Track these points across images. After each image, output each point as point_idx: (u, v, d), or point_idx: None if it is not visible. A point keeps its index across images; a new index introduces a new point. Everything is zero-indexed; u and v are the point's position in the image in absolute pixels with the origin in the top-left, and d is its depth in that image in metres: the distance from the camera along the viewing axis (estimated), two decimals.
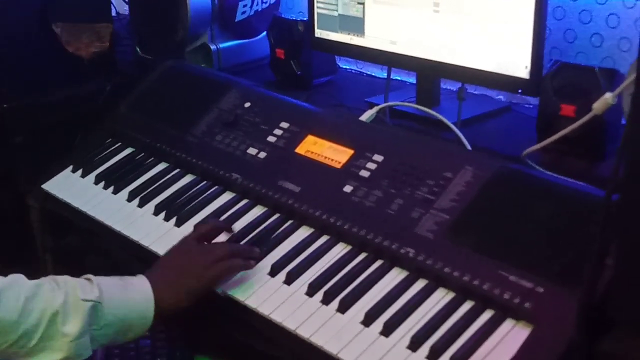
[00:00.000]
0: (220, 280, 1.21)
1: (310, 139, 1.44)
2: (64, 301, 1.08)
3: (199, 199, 1.44)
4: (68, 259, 1.67)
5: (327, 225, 1.28)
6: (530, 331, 1.02)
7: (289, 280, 1.21)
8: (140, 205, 1.48)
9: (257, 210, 1.38)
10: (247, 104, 1.58)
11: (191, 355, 1.25)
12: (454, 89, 1.62)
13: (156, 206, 1.45)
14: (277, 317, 1.15)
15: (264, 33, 1.99)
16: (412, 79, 1.77)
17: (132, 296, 1.14)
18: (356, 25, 1.70)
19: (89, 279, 1.14)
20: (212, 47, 2.00)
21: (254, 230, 1.33)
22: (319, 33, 1.79)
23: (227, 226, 1.33)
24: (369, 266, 1.20)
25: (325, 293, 1.16)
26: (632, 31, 1.51)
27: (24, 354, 1.06)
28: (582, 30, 1.60)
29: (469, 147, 1.42)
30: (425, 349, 1.04)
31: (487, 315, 1.07)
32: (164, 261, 1.24)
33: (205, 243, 1.28)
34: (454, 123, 1.49)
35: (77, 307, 1.08)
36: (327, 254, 1.24)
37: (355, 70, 2.04)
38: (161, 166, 1.57)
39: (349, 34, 1.72)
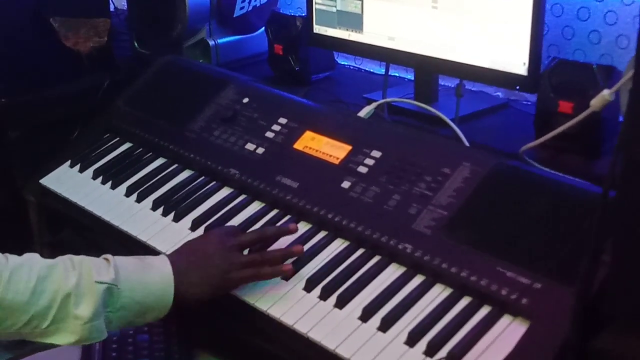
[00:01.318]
0: (245, 284, 1.18)
1: (308, 134, 1.44)
2: (76, 283, 1.05)
3: (197, 195, 1.44)
4: (65, 254, 1.66)
5: (325, 221, 1.28)
6: (527, 327, 1.02)
7: (286, 276, 1.21)
8: (138, 200, 1.48)
9: (255, 206, 1.38)
10: (245, 100, 1.58)
11: (189, 350, 1.25)
12: (452, 86, 1.62)
13: (154, 201, 1.45)
14: (275, 312, 1.15)
15: (262, 29, 1.99)
16: (410, 76, 1.77)
17: (151, 278, 1.11)
18: (354, 21, 1.70)
19: (107, 259, 1.11)
20: (211, 42, 2.00)
21: (252, 226, 1.33)
22: (317, 29, 1.79)
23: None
24: (366, 262, 1.20)
25: (323, 289, 1.16)
26: (630, 28, 1.51)
27: (37, 335, 1.05)
28: (580, 28, 1.60)
29: (466, 144, 1.42)
30: (422, 344, 1.04)
31: (484, 311, 1.07)
32: (189, 246, 1.20)
33: (235, 235, 1.22)
34: (452, 119, 1.50)
35: (91, 289, 1.05)
36: (325, 249, 1.24)
37: (354, 66, 2.05)
38: (159, 161, 1.57)
39: (347, 30, 1.72)
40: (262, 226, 1.32)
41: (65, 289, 1.05)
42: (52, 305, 1.04)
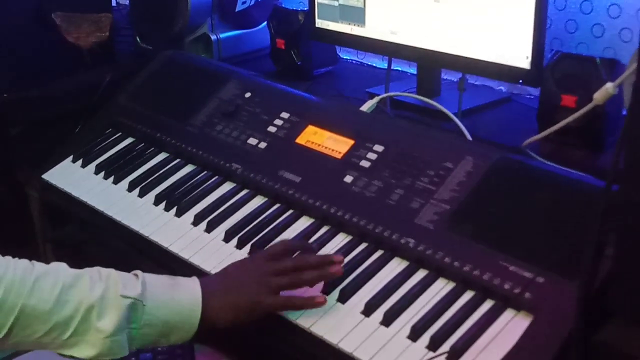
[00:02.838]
0: (278, 311, 1.13)
1: (310, 129, 1.43)
2: (101, 295, 1.03)
3: (199, 189, 1.44)
4: (68, 249, 1.67)
5: (328, 216, 1.28)
6: (530, 321, 1.02)
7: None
8: (141, 195, 1.48)
9: (258, 201, 1.38)
10: (248, 94, 1.58)
11: (191, 345, 1.25)
12: (455, 80, 1.62)
13: (156, 196, 1.45)
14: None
15: (264, 23, 1.99)
16: (413, 70, 1.77)
17: (178, 297, 1.07)
18: (357, 15, 1.69)
19: (136, 275, 1.08)
20: (212, 37, 1.99)
21: (254, 221, 1.33)
22: (319, 23, 1.78)
23: (302, 245, 1.21)
24: (369, 256, 1.20)
25: (326, 283, 1.16)
26: (634, 21, 1.51)
27: (58, 346, 1.02)
28: (583, 21, 1.59)
29: (469, 138, 1.42)
30: (425, 338, 1.04)
31: (487, 305, 1.07)
32: (224, 271, 1.16)
33: (272, 261, 1.15)
34: (454, 113, 1.49)
35: (115, 302, 1.03)
36: (327, 244, 1.24)
37: (356, 60, 2.04)
38: (161, 156, 1.57)
39: (349, 24, 1.72)
40: (263, 220, 1.33)
41: (90, 300, 1.02)
42: (75, 316, 1.01)
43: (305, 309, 1.12)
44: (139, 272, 1.09)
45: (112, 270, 1.08)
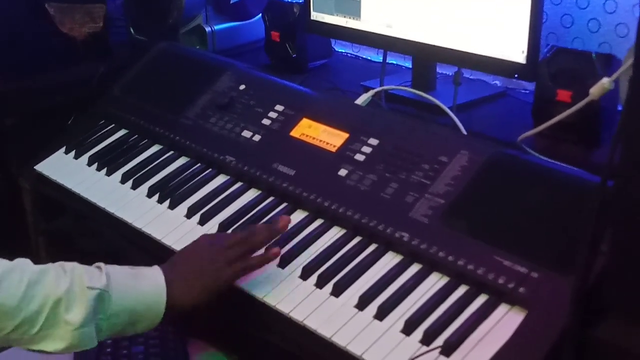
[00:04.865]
0: (238, 279, 1.17)
1: (305, 122, 1.43)
2: (68, 288, 1.04)
3: (192, 182, 1.43)
4: (61, 241, 1.66)
5: (322, 209, 1.28)
6: (524, 316, 1.02)
7: (282, 264, 1.20)
8: (134, 187, 1.47)
9: (252, 193, 1.38)
10: (242, 87, 1.57)
11: (183, 339, 1.25)
12: (450, 74, 1.61)
13: (150, 188, 1.45)
14: (270, 300, 1.15)
15: (259, 15, 1.98)
16: (408, 63, 1.76)
17: (142, 287, 1.10)
18: (352, 7, 1.68)
19: (99, 267, 1.10)
20: (207, 29, 1.99)
21: (248, 214, 1.33)
22: (314, 16, 1.78)
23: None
24: (363, 250, 1.20)
25: (319, 276, 1.16)
26: (630, 16, 1.51)
27: (27, 341, 1.03)
28: (579, 16, 1.59)
29: (464, 132, 1.42)
30: (419, 333, 1.04)
31: (481, 300, 1.07)
32: (180, 255, 1.19)
33: (223, 237, 1.23)
34: (449, 108, 1.49)
35: (82, 294, 1.04)
36: (321, 237, 1.24)
37: (351, 53, 2.04)
38: (155, 148, 1.57)
39: (344, 16, 1.71)
40: (256, 213, 1.32)
41: (56, 294, 1.03)
42: (42, 311, 1.02)
43: (264, 265, 1.17)
44: (101, 264, 1.11)
45: (75, 264, 1.09)
